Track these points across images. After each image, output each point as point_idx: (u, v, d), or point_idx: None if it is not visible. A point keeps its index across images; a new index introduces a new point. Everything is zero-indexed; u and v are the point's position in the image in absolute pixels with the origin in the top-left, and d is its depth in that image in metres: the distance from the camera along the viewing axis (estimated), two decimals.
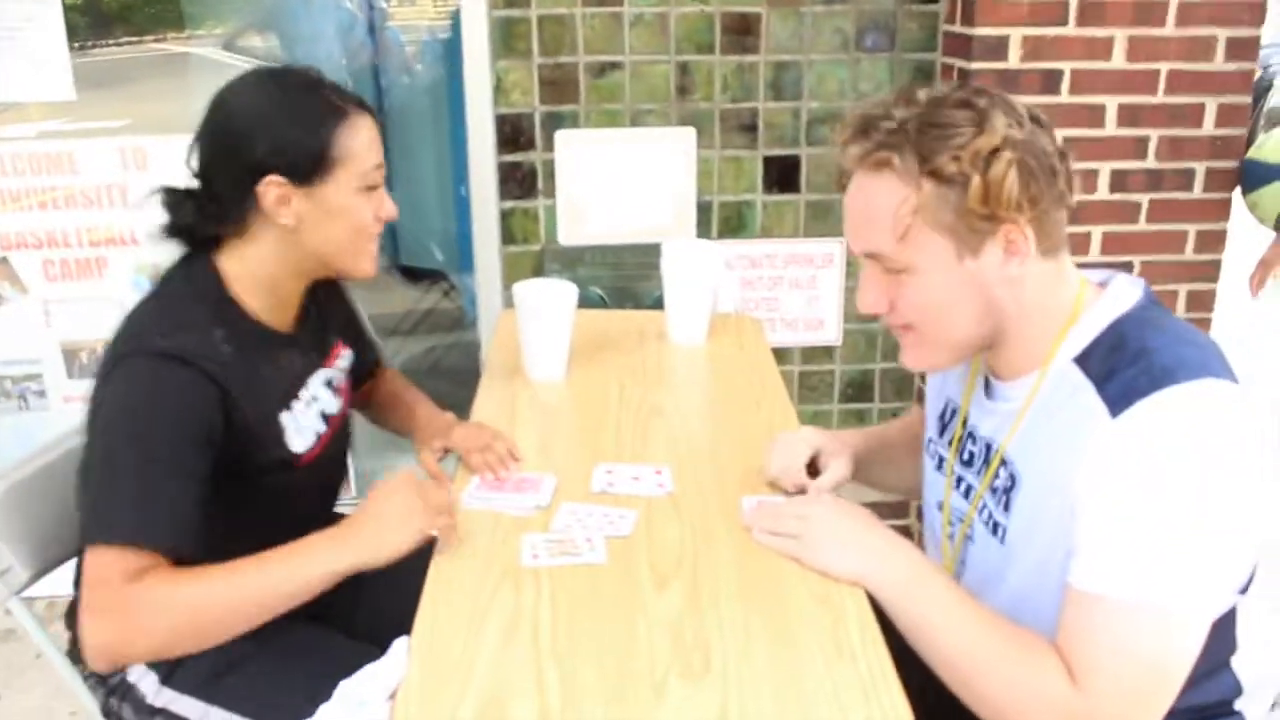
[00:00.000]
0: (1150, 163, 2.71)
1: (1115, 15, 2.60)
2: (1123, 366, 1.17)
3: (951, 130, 1.17)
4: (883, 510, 1.51)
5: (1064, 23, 2.61)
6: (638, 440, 1.73)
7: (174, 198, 1.49)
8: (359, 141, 1.43)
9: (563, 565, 1.37)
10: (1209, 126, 2.71)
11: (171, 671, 1.52)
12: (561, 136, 2.84)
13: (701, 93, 2.86)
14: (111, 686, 1.54)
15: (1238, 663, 1.31)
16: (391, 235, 4.22)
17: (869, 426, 1.89)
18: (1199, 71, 2.66)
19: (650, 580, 1.35)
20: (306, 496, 1.61)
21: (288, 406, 1.55)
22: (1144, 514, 1.12)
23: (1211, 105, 2.69)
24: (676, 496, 1.55)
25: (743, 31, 2.82)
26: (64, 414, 2.94)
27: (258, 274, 1.49)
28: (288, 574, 1.34)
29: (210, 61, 4.60)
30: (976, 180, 1.16)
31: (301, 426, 1.56)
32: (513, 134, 2.85)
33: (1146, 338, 1.20)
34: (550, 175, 2.88)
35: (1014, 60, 2.63)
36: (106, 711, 1.56)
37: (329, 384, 1.66)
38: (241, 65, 4.41)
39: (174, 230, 1.50)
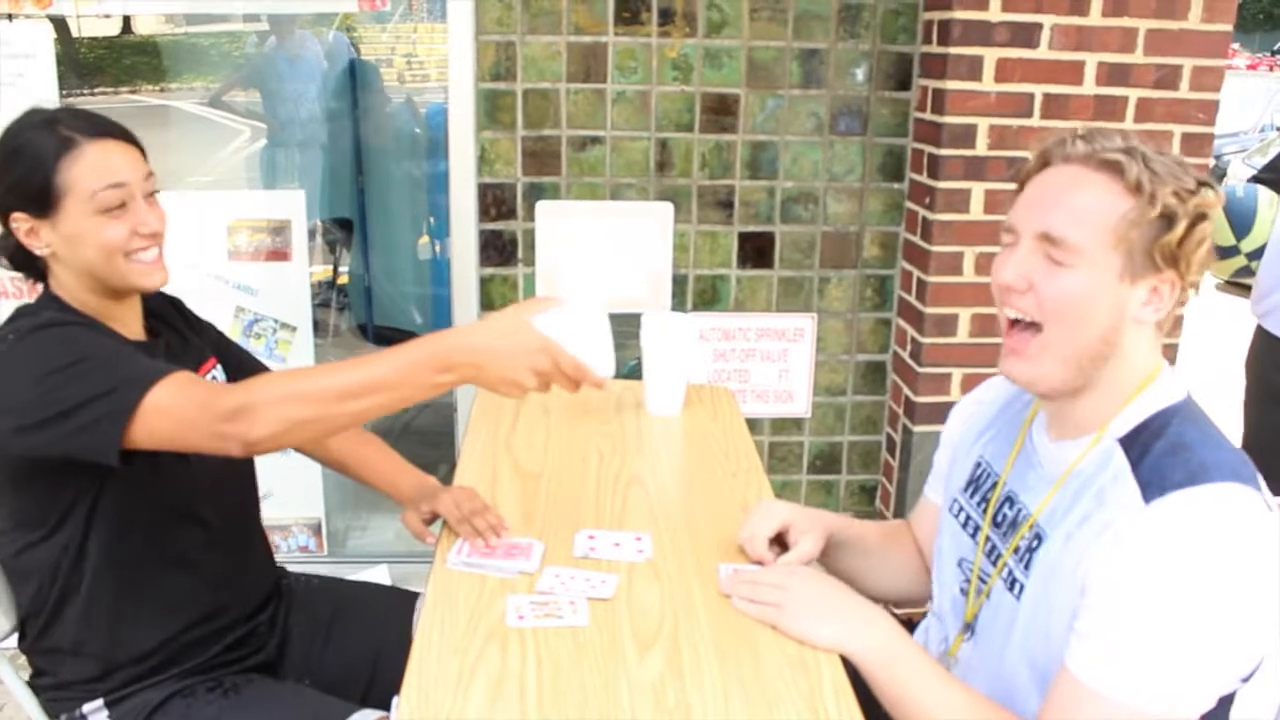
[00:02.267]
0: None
1: (1078, 108, 2.72)
2: (1160, 455, 1.21)
3: (1180, 171, 1.22)
4: None
5: (1029, 114, 2.72)
6: (617, 507, 1.77)
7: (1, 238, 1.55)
8: (83, 168, 1.47)
9: (547, 627, 1.41)
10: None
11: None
12: (542, 207, 2.91)
13: (680, 169, 2.94)
14: None
15: None
16: (366, 295, 4.26)
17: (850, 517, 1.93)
18: (1166, 99, 2.75)
19: (632, 644, 1.38)
20: (195, 501, 1.62)
21: None
22: (1156, 617, 1.14)
23: (1177, 133, 2.78)
24: (656, 563, 1.59)
25: (722, 111, 2.91)
26: None
27: (74, 294, 1.54)
28: (396, 367, 1.35)
29: (190, 115, 4.66)
30: (1183, 225, 1.20)
31: None
32: (495, 203, 2.92)
33: (1185, 432, 1.23)
34: (530, 244, 2.94)
35: (981, 148, 2.74)
36: None
37: None
38: (222, 121, 4.47)
39: (13, 265, 1.56)
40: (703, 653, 1.37)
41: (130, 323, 1.61)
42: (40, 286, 1.57)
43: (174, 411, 1.34)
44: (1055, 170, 1.28)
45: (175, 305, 1.73)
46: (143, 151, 1.56)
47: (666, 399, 2.15)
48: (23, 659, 1.62)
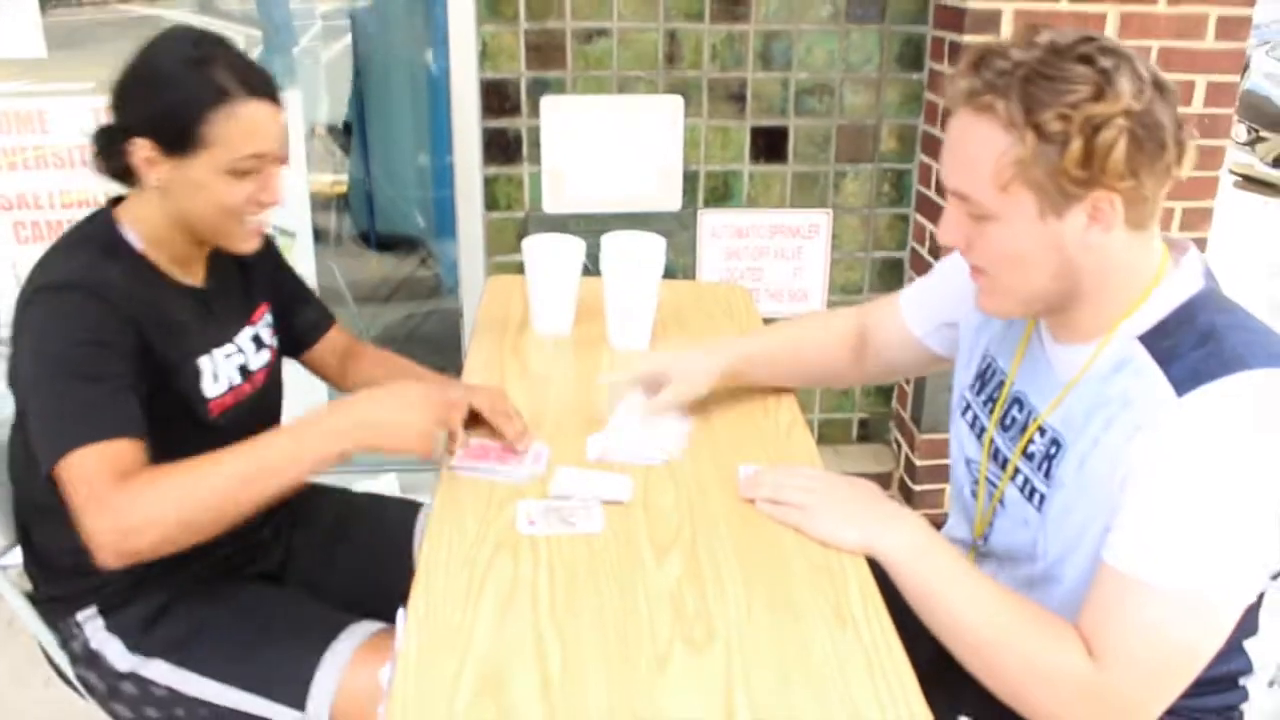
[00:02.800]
0: (1185, 169, 2.70)
1: None
2: (1189, 348, 1.15)
3: (1064, 86, 1.10)
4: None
5: None
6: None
7: (99, 134, 1.49)
8: (235, 128, 1.41)
9: (560, 534, 1.35)
10: (1198, 105, 2.70)
11: (139, 636, 1.49)
12: (548, 102, 2.80)
13: (690, 61, 2.83)
14: (76, 654, 1.52)
15: (1251, 643, 1.30)
16: (368, 201, 4.17)
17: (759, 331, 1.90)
18: (1189, 49, 2.65)
19: (649, 549, 1.33)
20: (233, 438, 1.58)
21: (207, 352, 1.53)
22: (1196, 502, 1.10)
23: (1201, 83, 2.69)
24: (672, 464, 1.53)
25: (732, 0, 2.78)
26: None
27: (146, 224, 1.49)
28: (288, 448, 1.34)
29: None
30: (1078, 143, 1.10)
31: (218, 374, 1.54)
32: (498, 99, 2.81)
33: (1215, 321, 1.17)
34: (535, 142, 2.84)
35: (1006, 34, 2.61)
36: (77, 679, 1.54)
37: (255, 340, 1.64)
38: (215, 28, 4.35)
39: (103, 168, 1.51)
40: (722, 558, 1.32)
41: (194, 265, 1.57)
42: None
43: (78, 484, 1.28)
44: (953, 118, 1.21)
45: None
46: (283, 107, 1.50)
47: (555, 320, 2.02)
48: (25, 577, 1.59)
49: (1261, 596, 1.25)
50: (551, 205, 2.88)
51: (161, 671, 1.48)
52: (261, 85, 1.45)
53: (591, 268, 1.97)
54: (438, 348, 3.59)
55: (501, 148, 2.85)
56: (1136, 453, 1.14)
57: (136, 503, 1.27)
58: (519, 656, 1.13)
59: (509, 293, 2.18)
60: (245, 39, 4.32)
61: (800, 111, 2.91)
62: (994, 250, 1.21)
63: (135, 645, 1.50)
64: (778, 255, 2.99)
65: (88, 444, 1.29)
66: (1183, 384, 1.12)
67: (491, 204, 2.89)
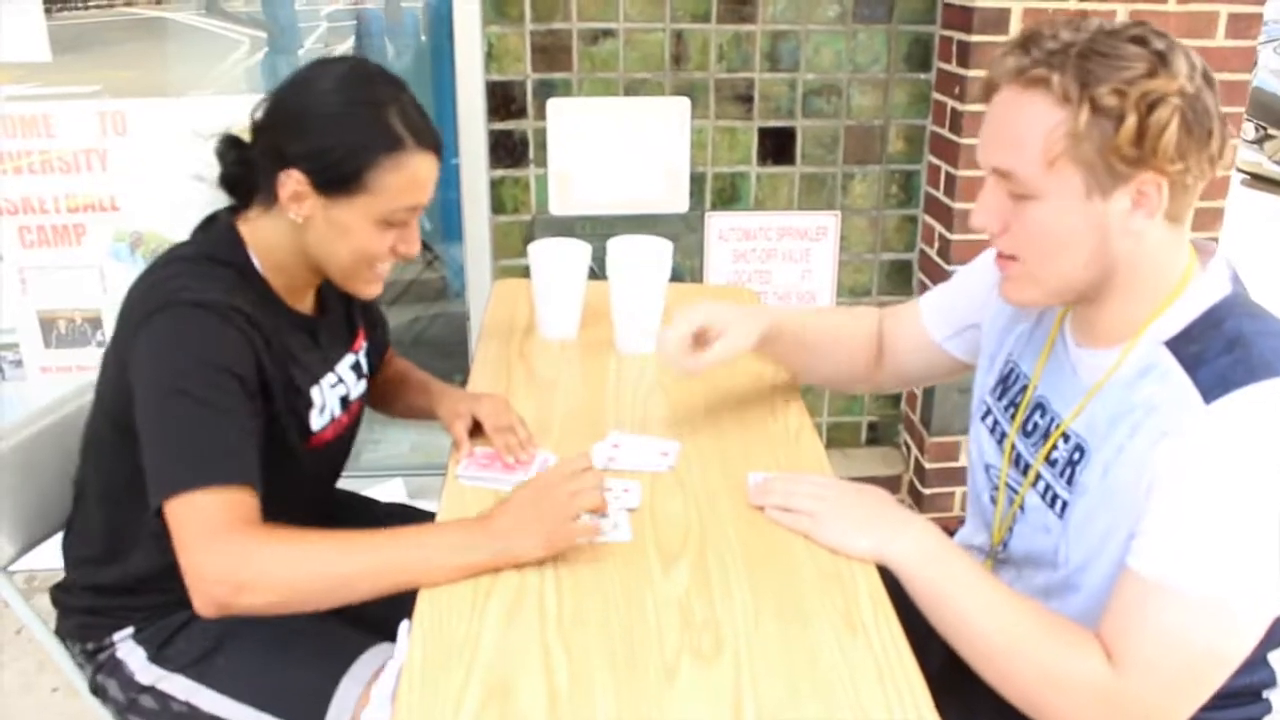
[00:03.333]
0: (1222, 166, 2.69)
1: None
2: (1216, 354, 1.13)
3: (1121, 63, 1.09)
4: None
5: None
6: (638, 416, 1.69)
7: (226, 145, 1.46)
8: (399, 179, 1.37)
9: (589, 543, 1.34)
10: None
11: (161, 649, 1.48)
12: (554, 105, 2.79)
13: (697, 62, 2.81)
14: (100, 663, 1.51)
15: (1275, 656, 1.29)
16: None
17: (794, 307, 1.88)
18: (1200, 47, 2.62)
19: (657, 557, 1.32)
20: (308, 483, 1.56)
21: (317, 383, 1.51)
22: (1222, 507, 1.08)
23: None
24: (679, 471, 1.52)
25: (740, 0, 2.77)
26: (42, 385, 2.87)
27: (271, 249, 1.44)
28: (421, 554, 1.28)
29: (187, 27, 4.51)
30: (1133, 119, 1.08)
31: (326, 406, 1.52)
32: (504, 101, 2.79)
33: (1243, 327, 1.14)
34: (542, 144, 2.83)
35: (1015, 32, 2.59)
36: (95, 688, 1.53)
37: (355, 368, 1.62)
38: (220, 31, 4.34)
39: (221, 178, 1.47)
40: (731, 565, 1.30)
41: (306, 295, 1.53)
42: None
43: (195, 524, 1.23)
44: (998, 95, 1.19)
45: None
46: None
47: (562, 324, 2.01)
48: (31, 585, 1.58)
49: None
50: (558, 208, 2.86)
51: (182, 686, 1.46)
52: (431, 137, 1.41)
53: (598, 271, 1.95)
54: (444, 351, 3.58)
55: (508, 150, 2.84)
56: (1163, 459, 1.12)
57: (254, 557, 1.23)
58: (525, 667, 1.12)
59: (515, 297, 2.16)
60: (251, 42, 4.33)
61: (808, 112, 2.89)
62: (1033, 232, 1.18)
63: (157, 658, 1.48)
64: (786, 257, 2.97)
65: (214, 486, 1.25)
66: (1210, 391, 1.10)
67: (498, 207, 2.88)
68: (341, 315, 1.62)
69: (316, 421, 1.50)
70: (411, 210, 1.41)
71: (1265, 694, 1.30)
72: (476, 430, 1.60)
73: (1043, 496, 1.31)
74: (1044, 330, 1.38)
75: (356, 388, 1.62)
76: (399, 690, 1.09)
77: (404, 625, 1.19)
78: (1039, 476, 1.32)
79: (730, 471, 1.52)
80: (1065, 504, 1.27)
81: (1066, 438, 1.27)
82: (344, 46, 4.14)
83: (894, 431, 3.22)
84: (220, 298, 1.34)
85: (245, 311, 1.35)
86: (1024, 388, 1.38)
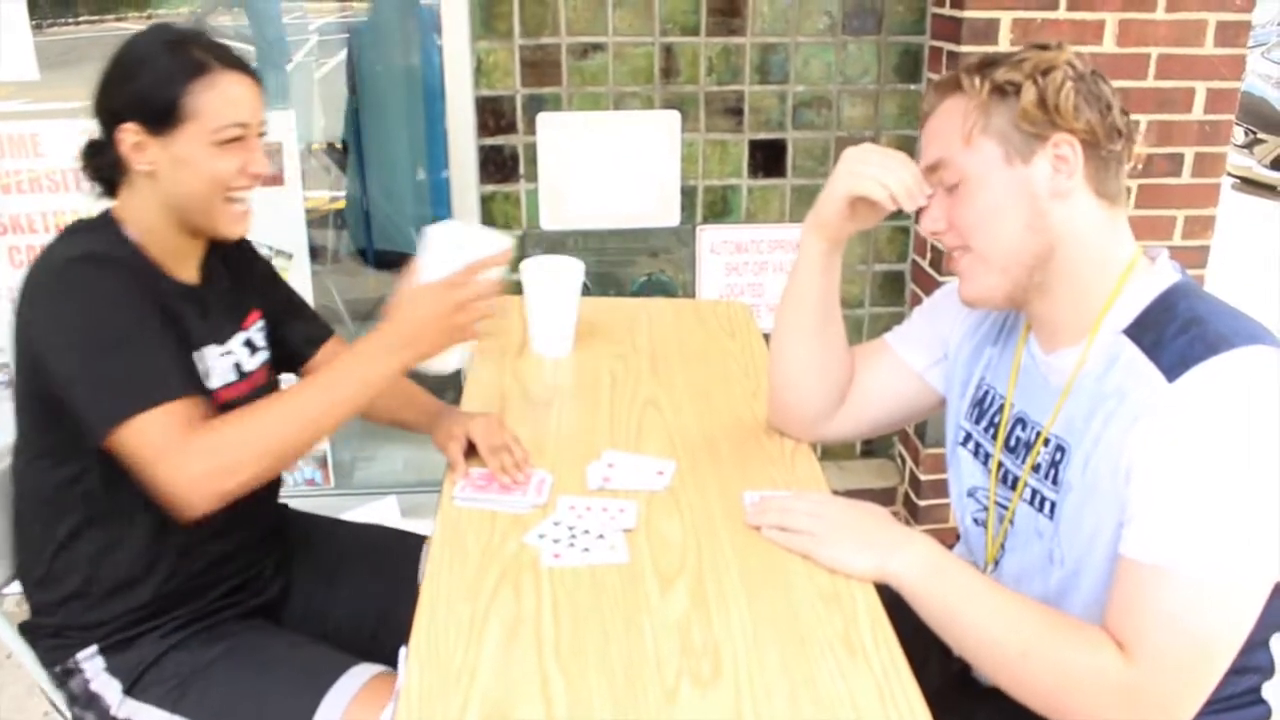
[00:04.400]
0: (1139, 147, 2.69)
1: None
2: (1173, 335, 1.17)
3: (1015, 56, 1.26)
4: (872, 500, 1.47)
5: (1054, 6, 2.58)
6: (632, 434, 1.68)
7: (87, 151, 1.52)
8: (216, 97, 1.44)
9: (587, 564, 1.33)
10: (1198, 111, 2.69)
11: (136, 682, 1.47)
12: (544, 119, 2.78)
13: (686, 75, 2.81)
14: (74, 694, 1.50)
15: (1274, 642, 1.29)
16: (365, 219, 4.15)
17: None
18: (1189, 56, 2.64)
19: (654, 580, 1.31)
20: None
21: (199, 349, 1.52)
22: (1203, 482, 1.09)
23: (1201, 90, 2.67)
24: (675, 491, 1.51)
25: (729, 12, 2.77)
26: None
27: (143, 221, 1.50)
28: (357, 373, 1.41)
29: None
30: (1030, 87, 1.22)
31: (214, 370, 1.53)
32: (493, 117, 2.79)
33: (1196, 308, 1.19)
34: (532, 159, 2.82)
35: (1004, 44, 2.60)
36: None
37: (248, 344, 1.62)
38: None
39: (90, 175, 1.53)
40: (729, 587, 1.30)
41: (189, 263, 1.56)
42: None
43: (152, 441, 1.32)
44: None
45: (239, 242, 1.64)
46: (261, 85, 1.53)
47: (555, 341, 2.00)
48: (21, 609, 1.57)
49: None
50: (549, 222, 2.86)
51: (158, 717, 1.45)
52: (238, 59, 1.49)
53: (591, 287, 1.95)
54: None
55: (498, 165, 2.83)
56: (1136, 442, 1.15)
57: (224, 443, 1.33)
58: (524, 695, 1.11)
59: (508, 314, 2.15)
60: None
61: (798, 124, 2.89)
62: (970, 211, 1.27)
63: (133, 689, 1.47)
64: (778, 270, 2.96)
65: (158, 405, 1.32)
66: (1172, 370, 1.14)
67: (489, 222, 2.87)
68: (230, 292, 1.63)
69: (213, 380, 1.52)
70: (240, 127, 1.46)
71: (1264, 690, 1.30)
72: (471, 450, 1.59)
73: (1031, 502, 1.32)
74: (1010, 349, 1.41)
75: (252, 360, 1.62)
76: (397, 717, 1.08)
77: (403, 651, 1.18)
78: (1026, 485, 1.33)
79: (726, 490, 1.51)
80: (1053, 504, 1.28)
81: (1048, 441, 1.29)
82: (334, 61, 4.13)
83: (888, 444, 3.21)
84: (105, 250, 1.43)
85: (132, 266, 1.43)
86: (1001, 407, 1.39)
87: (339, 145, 4.22)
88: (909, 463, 3.08)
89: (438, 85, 2.85)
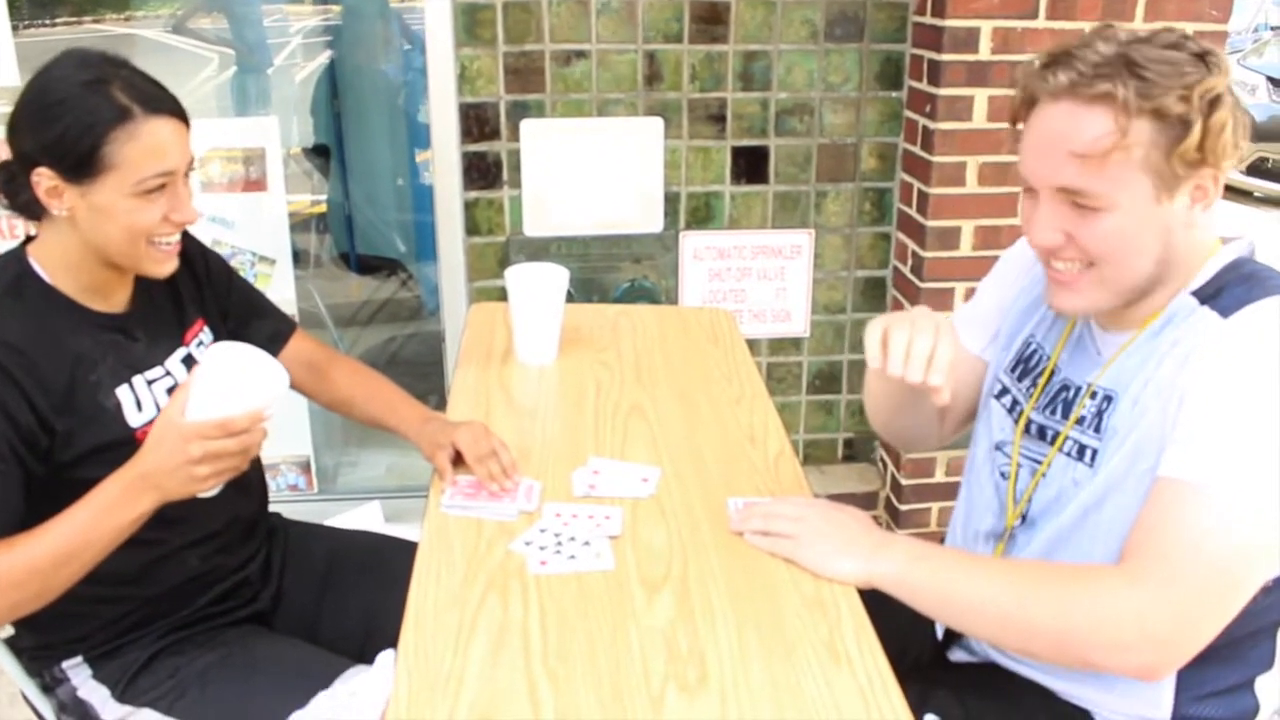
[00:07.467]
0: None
1: (1085, 8, 2.60)
2: (1233, 286, 1.19)
3: (1174, 69, 1.12)
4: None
5: (1034, 15, 2.60)
6: (618, 441, 1.69)
7: (3, 174, 1.43)
8: (137, 148, 1.36)
9: (574, 572, 1.34)
10: None
11: (128, 686, 1.47)
12: (527, 126, 2.79)
13: (669, 82, 2.82)
14: (63, 703, 1.50)
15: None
16: (347, 223, 4.15)
17: None
18: None
19: (640, 587, 1.32)
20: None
21: (125, 381, 1.46)
22: (1248, 406, 1.11)
23: None
24: (660, 499, 1.52)
25: (712, 20, 2.78)
26: None
27: (57, 255, 1.43)
28: (83, 524, 1.28)
29: (156, 44, 4.49)
30: (1197, 124, 1.12)
31: (141, 402, 1.47)
32: (477, 123, 2.79)
33: (1259, 268, 1.22)
34: (515, 165, 2.83)
35: (984, 52, 2.62)
36: None
37: (188, 360, 1.57)
38: (189, 48, 4.31)
39: (7, 205, 1.45)
40: (714, 593, 1.31)
41: (114, 292, 1.49)
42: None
43: None
44: (1046, 111, 1.19)
45: (181, 250, 1.56)
46: (188, 123, 1.45)
47: (539, 349, 2.01)
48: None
49: None
50: (533, 229, 2.86)
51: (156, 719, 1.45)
52: (162, 101, 1.40)
53: (576, 294, 1.95)
54: (419, 371, 3.57)
55: (481, 172, 2.83)
56: (1189, 377, 1.16)
57: None
58: (511, 701, 1.12)
59: (492, 321, 2.16)
60: (220, 59, 4.31)
61: (780, 131, 2.90)
62: (1105, 240, 1.19)
63: (123, 695, 1.47)
64: (761, 276, 2.98)
65: None
66: (1228, 309, 1.17)
67: (472, 228, 2.87)
68: (167, 309, 1.58)
69: (135, 418, 1.45)
70: (163, 176, 1.39)
71: (1258, 686, 1.32)
72: (459, 458, 1.60)
73: (1069, 454, 1.32)
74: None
75: None
76: None
77: (388, 655, 1.18)
78: (1067, 438, 1.32)
79: (711, 497, 1.52)
80: (1095, 452, 1.28)
81: (1095, 394, 1.29)
82: (315, 64, 4.13)
83: (870, 448, 3.23)
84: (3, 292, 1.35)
85: (8, 329, 1.35)
86: (1045, 370, 1.40)
87: (318, 149, 4.21)
88: (890, 467, 3.10)
89: (420, 91, 2.85)
